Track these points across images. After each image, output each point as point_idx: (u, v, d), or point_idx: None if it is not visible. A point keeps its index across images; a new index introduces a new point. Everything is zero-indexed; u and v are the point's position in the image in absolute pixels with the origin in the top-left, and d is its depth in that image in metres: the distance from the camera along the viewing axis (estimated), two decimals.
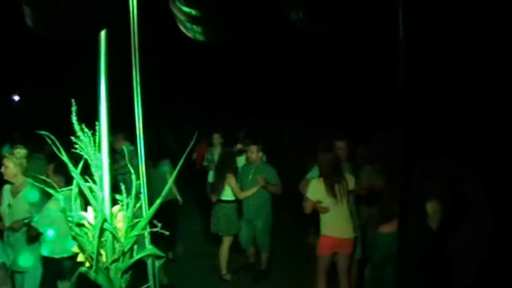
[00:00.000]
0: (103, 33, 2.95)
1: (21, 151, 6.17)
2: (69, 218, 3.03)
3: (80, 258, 3.17)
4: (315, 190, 6.75)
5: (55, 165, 5.61)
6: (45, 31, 2.78)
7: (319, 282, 6.83)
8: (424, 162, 6.80)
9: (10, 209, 6.13)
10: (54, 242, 5.61)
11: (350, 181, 6.79)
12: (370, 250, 7.04)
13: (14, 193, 6.15)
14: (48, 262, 5.72)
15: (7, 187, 6.25)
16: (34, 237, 5.77)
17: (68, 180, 3.38)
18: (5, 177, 6.17)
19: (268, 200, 8.29)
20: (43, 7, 2.62)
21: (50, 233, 5.55)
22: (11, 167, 6.08)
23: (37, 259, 5.89)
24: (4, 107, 21.50)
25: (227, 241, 8.41)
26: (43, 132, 2.95)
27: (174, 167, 7.45)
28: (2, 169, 6.14)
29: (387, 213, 6.39)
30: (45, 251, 5.68)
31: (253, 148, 8.33)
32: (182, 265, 8.55)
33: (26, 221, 5.85)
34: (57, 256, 5.62)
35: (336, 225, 6.76)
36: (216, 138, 10.45)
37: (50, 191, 3.15)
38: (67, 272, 5.50)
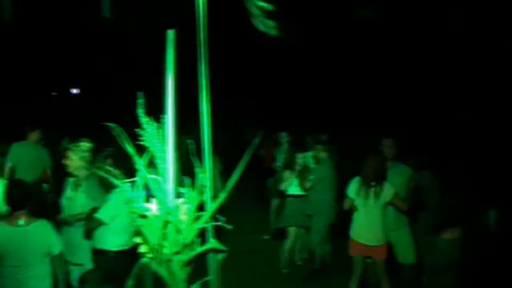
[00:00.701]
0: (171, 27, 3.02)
1: (85, 145, 6.28)
2: (133, 210, 3.09)
3: (143, 249, 3.23)
4: (352, 187, 6.87)
5: (114, 158, 5.73)
6: (123, 21, 2.89)
7: (351, 283, 6.92)
8: (484, 168, 6.69)
9: (70, 202, 6.23)
10: (113, 235, 5.72)
11: (388, 191, 6.73)
12: (426, 256, 6.99)
13: (76, 186, 6.25)
14: (104, 255, 5.83)
15: (70, 180, 6.35)
16: (92, 229, 5.87)
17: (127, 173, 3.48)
18: (68, 170, 6.28)
19: (330, 198, 8.36)
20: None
21: (111, 225, 5.67)
22: (75, 160, 6.19)
23: (94, 252, 5.97)
24: (64, 100, 22.25)
25: (292, 234, 8.63)
26: (109, 124, 3.03)
27: (224, 164, 7.54)
28: (66, 161, 6.25)
29: (446, 220, 6.33)
30: (104, 244, 5.80)
31: (320, 147, 8.60)
32: (238, 260, 8.66)
33: (80, 216, 5.98)
34: (113, 249, 5.75)
35: (362, 230, 6.83)
36: (284, 137, 10.76)
37: (117, 183, 3.23)
38: (124, 265, 5.62)
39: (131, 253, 5.42)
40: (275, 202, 10.28)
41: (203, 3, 3.03)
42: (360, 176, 6.88)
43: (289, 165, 8.84)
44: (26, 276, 4.96)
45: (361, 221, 6.81)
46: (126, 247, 5.66)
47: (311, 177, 8.48)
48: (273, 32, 3.04)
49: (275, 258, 8.79)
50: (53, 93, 22.55)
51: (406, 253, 7.29)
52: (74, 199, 6.17)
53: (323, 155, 8.58)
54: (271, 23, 3.00)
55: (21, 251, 4.93)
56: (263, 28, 3.04)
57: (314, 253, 8.70)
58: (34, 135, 8.96)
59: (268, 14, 2.95)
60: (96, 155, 6.41)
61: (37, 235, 5.03)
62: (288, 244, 8.72)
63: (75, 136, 8.44)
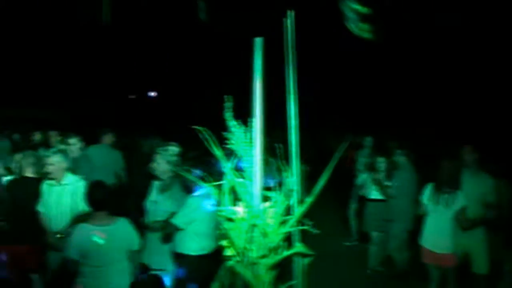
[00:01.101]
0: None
1: (173, 149, 6.34)
2: (220, 213, 3.13)
3: (228, 252, 3.26)
4: (426, 191, 6.76)
5: (197, 161, 5.79)
6: (218, 24, 2.95)
7: None
8: None
9: (154, 206, 6.27)
10: (192, 240, 5.80)
11: (459, 202, 6.52)
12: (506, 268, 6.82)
13: (162, 190, 6.29)
14: (185, 259, 5.91)
15: (156, 183, 6.41)
16: (169, 234, 5.96)
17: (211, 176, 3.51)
18: (155, 173, 6.34)
19: (410, 204, 8.20)
20: (217, 1, 2.79)
21: (190, 230, 5.74)
22: (162, 164, 6.26)
23: (174, 257, 6.05)
24: (142, 102, 22.88)
25: (375, 238, 8.61)
26: (198, 128, 3.07)
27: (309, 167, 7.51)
28: (154, 165, 6.32)
29: None
30: (184, 248, 5.88)
31: (399, 153, 8.53)
32: (321, 263, 8.65)
33: (164, 221, 5.98)
34: (191, 253, 5.82)
35: (431, 237, 6.68)
36: (368, 141, 10.74)
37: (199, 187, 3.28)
38: (204, 270, 5.68)
39: (213, 257, 5.50)
40: (354, 205, 10.17)
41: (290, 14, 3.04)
42: (433, 182, 6.74)
43: (371, 169, 8.76)
44: (108, 274, 5.11)
45: (430, 227, 6.68)
46: (206, 252, 5.72)
47: (392, 182, 8.34)
48: (366, 35, 3.02)
49: (358, 262, 8.73)
50: (131, 96, 23.25)
51: (479, 263, 7.04)
52: (159, 203, 6.23)
53: (403, 160, 8.45)
54: (365, 26, 2.98)
55: (104, 250, 5.08)
56: (357, 31, 3.03)
57: (393, 259, 8.56)
58: (108, 138, 9.24)
59: (363, 17, 2.93)
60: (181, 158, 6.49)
61: (119, 234, 5.17)
62: (371, 248, 8.64)
63: (162, 139, 8.64)
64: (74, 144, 8.13)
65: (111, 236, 5.09)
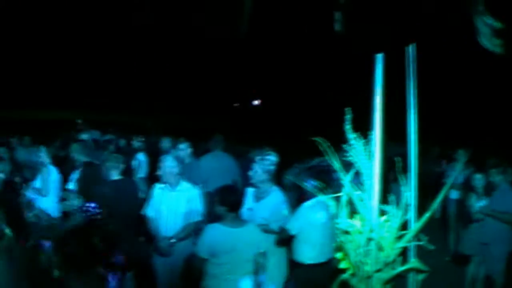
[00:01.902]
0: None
1: (271, 158, 6.45)
2: (337, 225, 3.16)
3: (343, 265, 3.28)
4: None
5: (309, 171, 5.85)
6: (353, 36, 3.00)
7: None
8: None
9: (250, 213, 6.30)
10: (305, 248, 5.85)
11: None
12: None
13: (258, 198, 6.39)
14: (295, 266, 5.98)
15: (250, 190, 6.53)
16: (282, 240, 6.05)
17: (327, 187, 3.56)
18: (252, 181, 6.44)
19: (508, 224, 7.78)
20: (355, 13, 2.84)
21: (302, 238, 5.81)
22: (260, 173, 6.36)
23: (291, 263, 6.12)
24: (245, 111, 23.30)
25: (475, 260, 8.20)
26: (316, 139, 3.13)
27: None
28: (251, 173, 6.43)
29: None
30: (298, 256, 5.93)
31: (495, 171, 7.99)
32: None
33: (263, 228, 5.99)
34: (305, 261, 5.87)
35: None
36: (461, 155, 10.28)
37: (320, 196, 3.32)
38: (319, 279, 5.72)
39: (328, 267, 5.54)
40: (453, 223, 9.86)
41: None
42: None
43: (466, 187, 8.32)
44: (238, 274, 5.26)
45: None
46: (317, 261, 5.76)
47: (486, 202, 7.90)
48: (498, 50, 2.95)
49: (456, 281, 8.38)
50: (235, 104, 23.77)
51: None
52: (255, 211, 6.30)
53: (500, 179, 7.93)
54: (498, 41, 2.92)
55: (236, 251, 5.22)
56: (490, 46, 2.97)
57: (494, 282, 8.11)
58: (220, 145, 9.46)
59: (496, 32, 2.88)
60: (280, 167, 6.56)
61: (250, 235, 5.35)
62: (470, 270, 8.26)
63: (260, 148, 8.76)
64: (184, 149, 8.38)
65: (242, 237, 5.26)
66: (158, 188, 6.63)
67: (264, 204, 6.30)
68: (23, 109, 18.70)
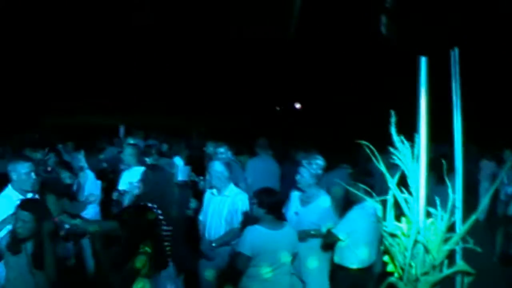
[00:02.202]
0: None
1: (318, 162, 6.44)
2: (384, 228, 3.17)
3: (390, 268, 3.29)
4: None
5: (355, 174, 5.86)
6: (398, 40, 3.02)
7: None
8: None
9: (297, 217, 6.36)
10: (349, 251, 5.85)
11: None
12: None
13: (304, 202, 6.40)
14: (339, 271, 5.98)
15: (295, 194, 6.54)
16: (328, 244, 6.05)
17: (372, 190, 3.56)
18: (298, 185, 6.43)
19: None
20: (401, 17, 2.87)
21: (350, 242, 5.80)
22: (307, 177, 6.33)
23: (335, 268, 6.12)
24: (287, 114, 23.34)
25: None
26: (362, 142, 3.15)
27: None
28: (298, 177, 6.42)
29: None
30: (343, 260, 5.94)
31: None
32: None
33: (312, 232, 6.11)
34: (350, 266, 5.86)
35: None
36: (508, 155, 10.11)
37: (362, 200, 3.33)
38: (362, 283, 5.72)
39: (373, 271, 5.53)
40: (501, 224, 9.65)
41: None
42: None
43: None
44: (276, 276, 5.33)
45: None
46: (364, 265, 5.75)
47: None
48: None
49: (504, 283, 8.22)
50: (277, 108, 23.85)
51: None
52: (302, 215, 6.33)
53: None
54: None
55: (275, 252, 5.31)
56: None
57: None
58: (265, 149, 9.51)
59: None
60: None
61: (287, 237, 5.42)
62: None
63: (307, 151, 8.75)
64: (223, 153, 8.46)
65: (281, 239, 5.32)
66: (209, 193, 6.71)
67: (312, 208, 6.29)
68: (69, 115, 19.12)
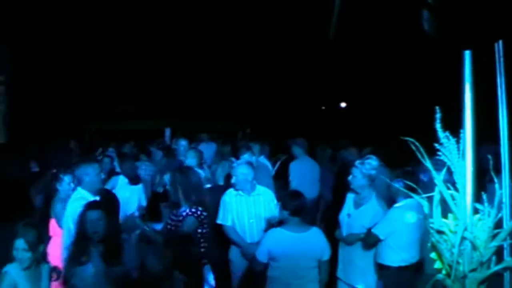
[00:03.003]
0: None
1: (372, 163, 6.41)
2: (430, 225, 3.16)
3: (437, 265, 3.28)
4: None
5: (398, 173, 5.80)
6: (441, 35, 3.03)
7: None
8: None
9: (349, 219, 6.34)
10: (393, 251, 5.81)
11: None
12: None
13: (357, 204, 6.33)
14: (382, 270, 5.94)
15: (350, 196, 6.47)
16: (370, 245, 6.02)
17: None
18: (351, 186, 6.37)
19: None
20: (444, 11, 2.87)
21: (390, 241, 5.77)
22: (359, 178, 6.25)
23: (377, 267, 6.10)
24: (332, 113, 23.24)
25: None
26: (407, 139, 3.15)
27: None
28: (350, 178, 6.37)
29: None
30: (385, 260, 5.93)
31: None
32: None
33: (362, 236, 6.07)
34: (395, 265, 5.82)
35: None
36: None
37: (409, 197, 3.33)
38: (404, 282, 5.68)
39: (415, 269, 5.49)
40: None
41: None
42: None
43: None
44: (297, 280, 5.36)
45: None
46: (407, 263, 5.71)
47: None
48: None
49: None
50: (323, 107, 23.82)
51: None
52: (354, 217, 6.29)
53: None
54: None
55: (297, 256, 5.33)
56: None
57: None
58: (304, 151, 9.48)
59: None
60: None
61: (312, 241, 5.40)
62: None
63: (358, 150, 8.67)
64: (255, 152, 8.50)
65: (303, 243, 5.33)
66: (233, 195, 6.69)
67: (363, 211, 6.23)
68: (113, 119, 19.45)
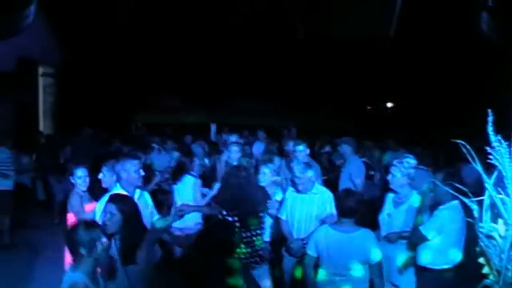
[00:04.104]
0: None
1: (409, 161, 6.30)
2: (480, 229, 3.14)
3: (485, 270, 3.25)
4: None
5: (444, 175, 5.72)
6: (499, 36, 3.03)
7: None
8: None
9: (389, 219, 6.27)
10: (437, 252, 5.74)
11: None
12: None
13: (397, 203, 6.27)
14: (425, 273, 5.86)
15: (390, 196, 6.41)
16: (415, 245, 5.95)
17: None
18: (391, 186, 6.30)
19: None
20: (503, 14, 2.88)
21: (436, 242, 5.70)
22: (398, 177, 6.20)
23: (418, 269, 6.01)
24: (378, 114, 23.03)
25: None
26: (458, 141, 3.13)
27: None
28: (389, 177, 6.30)
29: None
30: (425, 261, 5.85)
31: None
32: None
33: (404, 234, 5.98)
34: (437, 267, 5.75)
35: None
36: None
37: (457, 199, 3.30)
38: (446, 285, 5.60)
39: (458, 272, 5.42)
40: None
41: None
42: None
43: None
44: (342, 280, 5.30)
45: None
46: (450, 266, 5.64)
47: None
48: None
49: None
50: (368, 107, 23.60)
51: None
52: (394, 217, 6.23)
53: None
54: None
55: (342, 256, 5.27)
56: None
57: None
58: (353, 150, 9.42)
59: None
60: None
61: (358, 242, 5.34)
62: None
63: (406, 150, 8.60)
64: (302, 151, 8.47)
65: (350, 243, 5.32)
66: (291, 191, 6.76)
67: (403, 209, 6.18)
68: (160, 113, 19.65)
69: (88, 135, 13.17)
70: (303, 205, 6.60)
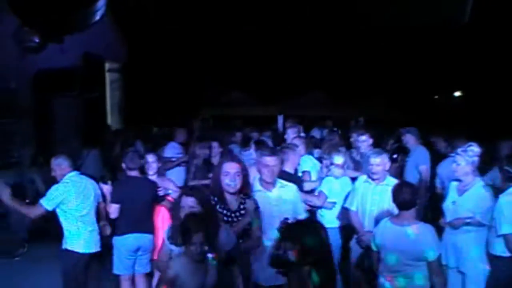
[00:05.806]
0: None
1: (474, 149, 6.31)
2: None
3: None
4: None
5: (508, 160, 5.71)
6: None
7: None
8: None
9: (454, 206, 6.28)
10: (498, 240, 5.75)
11: None
12: None
13: (461, 191, 6.28)
14: (496, 262, 5.87)
15: (453, 184, 6.43)
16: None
17: None
18: (456, 174, 6.31)
19: None
20: None
21: (495, 230, 5.73)
22: (463, 165, 6.21)
23: (483, 259, 6.03)
24: (446, 103, 22.64)
25: None
26: None
27: None
28: (453, 166, 6.32)
29: None
30: (498, 249, 5.80)
31: None
32: None
33: (468, 220, 6.01)
34: (503, 255, 5.74)
35: None
36: None
37: None
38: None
39: None
40: None
41: None
42: None
43: None
44: (399, 277, 5.27)
45: None
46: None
47: None
48: None
49: None
50: (435, 97, 23.24)
51: None
52: (460, 204, 6.23)
53: None
54: None
55: (394, 249, 5.24)
56: None
57: None
58: (417, 140, 9.37)
59: None
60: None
61: (415, 238, 5.19)
62: None
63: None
64: (364, 141, 8.51)
65: (404, 237, 5.23)
66: (362, 181, 6.81)
67: (468, 196, 6.20)
68: (226, 106, 19.89)
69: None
70: (375, 195, 6.64)
